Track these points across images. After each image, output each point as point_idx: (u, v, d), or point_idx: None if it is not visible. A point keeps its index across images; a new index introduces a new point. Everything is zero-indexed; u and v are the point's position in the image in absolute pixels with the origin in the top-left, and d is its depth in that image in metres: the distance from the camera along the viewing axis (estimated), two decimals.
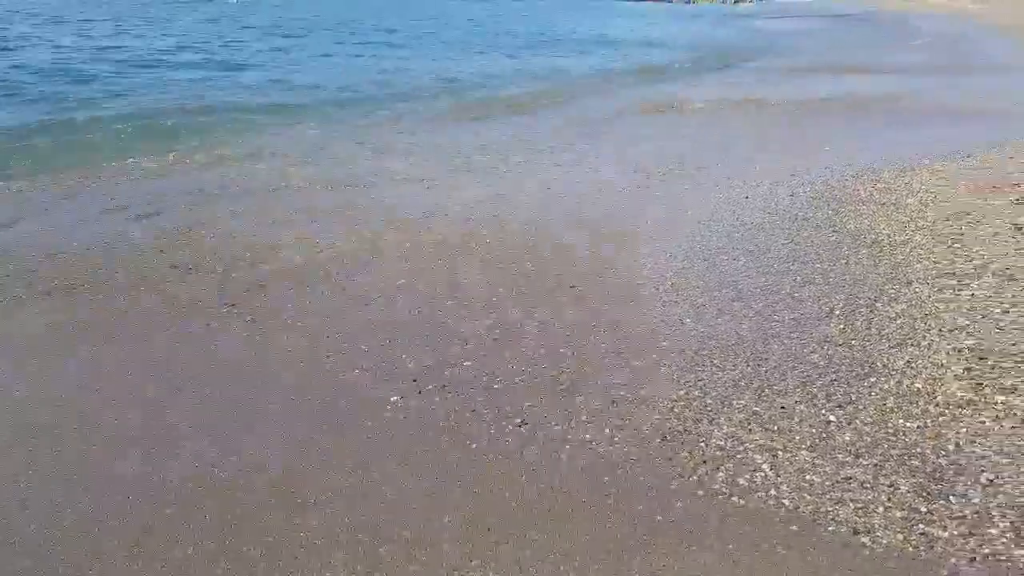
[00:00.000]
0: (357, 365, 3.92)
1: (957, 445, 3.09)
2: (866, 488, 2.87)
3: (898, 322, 4.16)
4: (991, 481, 2.86)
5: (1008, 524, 2.64)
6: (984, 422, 3.23)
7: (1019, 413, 3.26)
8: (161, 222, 6.27)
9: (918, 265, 4.95)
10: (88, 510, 2.87)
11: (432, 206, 6.70)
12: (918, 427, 3.22)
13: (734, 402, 3.48)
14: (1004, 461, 2.97)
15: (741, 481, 2.95)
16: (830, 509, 2.77)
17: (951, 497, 2.79)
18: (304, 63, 18.85)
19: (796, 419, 3.33)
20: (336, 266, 5.29)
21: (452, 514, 2.82)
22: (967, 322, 4.11)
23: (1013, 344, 3.84)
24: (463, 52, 23.11)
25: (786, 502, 2.82)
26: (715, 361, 3.85)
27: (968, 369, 3.64)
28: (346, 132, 10.54)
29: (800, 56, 21.75)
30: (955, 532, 2.63)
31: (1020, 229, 5.44)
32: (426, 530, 2.74)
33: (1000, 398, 3.39)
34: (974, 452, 3.04)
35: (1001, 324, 4.06)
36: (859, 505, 2.78)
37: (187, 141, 9.67)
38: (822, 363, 3.79)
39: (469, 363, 3.92)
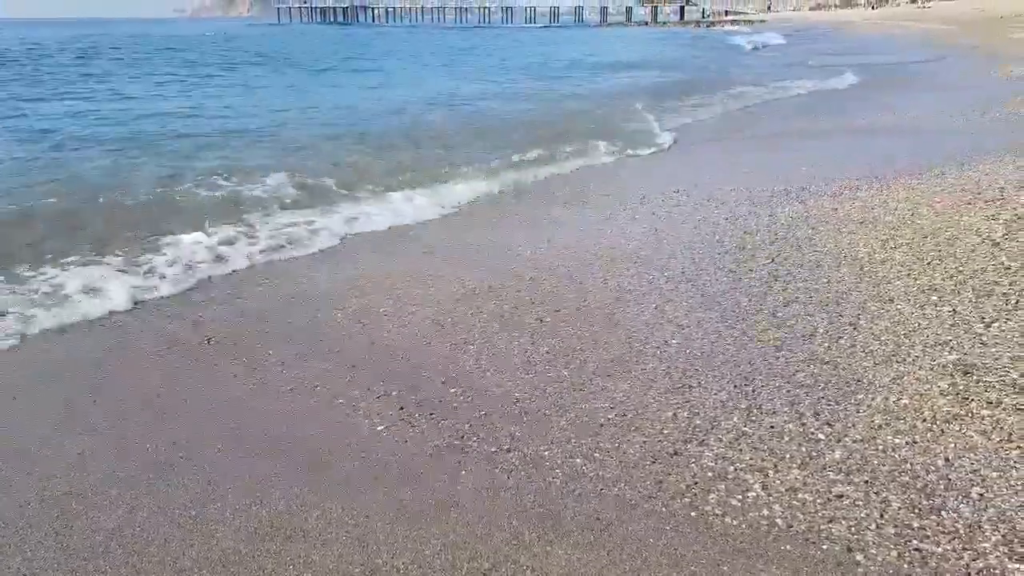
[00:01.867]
0: (343, 394, 3.87)
1: (947, 460, 3.09)
2: (858, 505, 2.86)
3: (882, 339, 4.18)
4: (981, 495, 2.86)
5: (1000, 538, 2.64)
6: (972, 436, 3.23)
7: (1006, 427, 3.27)
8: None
9: (899, 282, 4.99)
10: (75, 544, 2.80)
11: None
12: (907, 443, 3.22)
13: (723, 423, 3.47)
14: (994, 475, 2.97)
15: (733, 502, 2.93)
16: (823, 527, 2.76)
17: (943, 512, 2.79)
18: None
19: (786, 438, 3.32)
20: (319, 296, 5.25)
21: (443, 541, 2.78)
22: (950, 337, 4.13)
23: (996, 359, 3.86)
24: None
25: (779, 521, 2.81)
26: (702, 382, 3.85)
27: (953, 384, 3.65)
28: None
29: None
30: (948, 548, 2.62)
31: (996, 245, 5.50)
32: (417, 559, 2.69)
33: (986, 412, 3.40)
34: (964, 467, 3.04)
35: (984, 339, 4.08)
36: (852, 522, 2.77)
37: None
38: (809, 381, 3.79)
39: (455, 389, 3.89)
